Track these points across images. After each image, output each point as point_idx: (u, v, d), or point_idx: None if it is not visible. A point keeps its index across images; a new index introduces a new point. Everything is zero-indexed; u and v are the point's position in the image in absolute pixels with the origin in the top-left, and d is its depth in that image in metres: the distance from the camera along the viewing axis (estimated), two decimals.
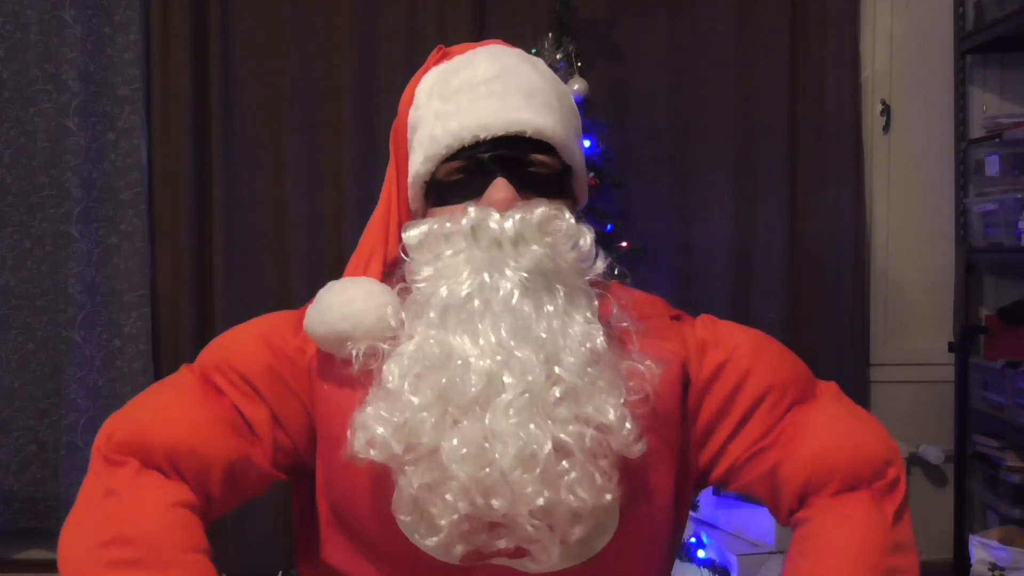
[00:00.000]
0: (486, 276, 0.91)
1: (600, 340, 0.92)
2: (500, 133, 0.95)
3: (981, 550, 1.96)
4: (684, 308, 3.14)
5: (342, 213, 2.87)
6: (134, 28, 2.85)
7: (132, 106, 2.86)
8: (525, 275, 0.91)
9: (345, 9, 2.87)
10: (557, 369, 0.88)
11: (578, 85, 2.49)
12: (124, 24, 2.85)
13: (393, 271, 1.02)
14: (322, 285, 1.00)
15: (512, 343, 0.89)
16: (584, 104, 2.52)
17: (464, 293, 0.91)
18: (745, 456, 1.03)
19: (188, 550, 0.89)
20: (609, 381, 0.91)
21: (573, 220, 0.97)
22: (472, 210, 0.94)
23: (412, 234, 0.98)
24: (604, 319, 0.97)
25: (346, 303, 0.95)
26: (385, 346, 0.94)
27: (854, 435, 1.02)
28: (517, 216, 0.93)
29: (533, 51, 2.57)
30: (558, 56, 2.53)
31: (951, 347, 2.71)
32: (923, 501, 2.99)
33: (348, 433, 0.92)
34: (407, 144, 1.04)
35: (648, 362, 0.94)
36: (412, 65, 1.01)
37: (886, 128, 2.97)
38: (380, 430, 0.88)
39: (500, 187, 0.95)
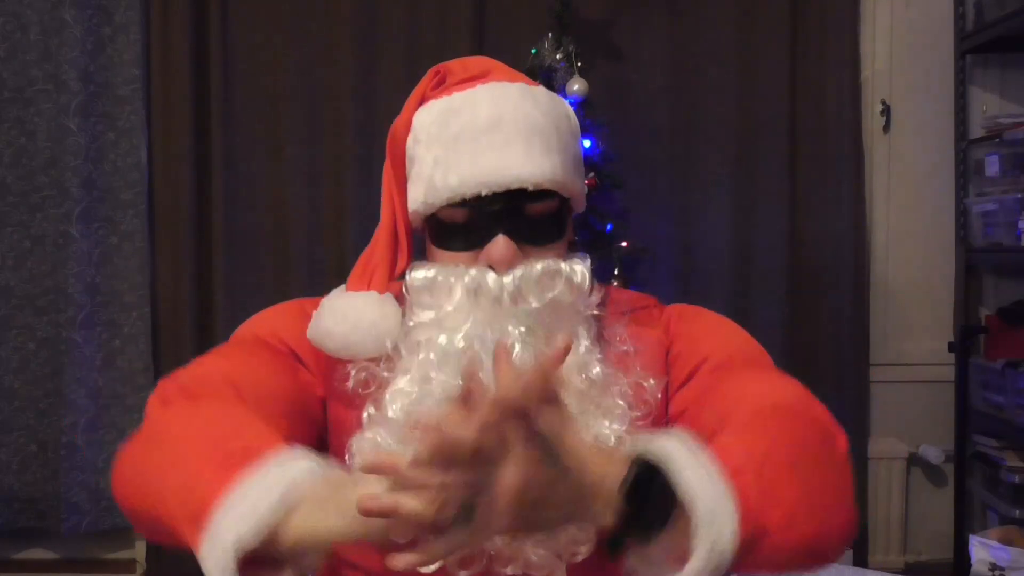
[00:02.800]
0: (488, 332, 0.93)
1: (596, 369, 0.95)
2: (500, 190, 0.95)
3: (981, 550, 1.96)
4: None
5: (342, 213, 2.87)
6: (134, 28, 2.85)
7: (132, 106, 2.87)
8: (524, 330, 0.94)
9: (345, 9, 2.87)
10: None
11: (578, 85, 2.49)
12: (124, 24, 2.86)
13: (398, 280, 1.04)
14: (322, 285, 1.01)
15: None
16: (584, 104, 2.52)
17: (462, 344, 0.93)
18: (690, 407, 0.99)
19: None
20: (608, 405, 0.93)
21: (569, 266, 0.98)
22: (473, 272, 0.95)
23: (416, 277, 0.99)
24: (605, 339, 1.00)
25: (348, 332, 0.97)
26: (385, 374, 0.96)
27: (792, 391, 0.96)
28: (517, 274, 0.95)
29: (533, 51, 2.57)
30: (558, 56, 2.53)
31: (951, 347, 2.71)
32: (923, 501, 2.99)
33: (345, 454, 0.94)
34: (405, 169, 1.04)
35: (650, 380, 0.97)
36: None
37: (886, 128, 2.97)
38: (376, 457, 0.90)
39: (500, 245, 0.95)
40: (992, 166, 2.64)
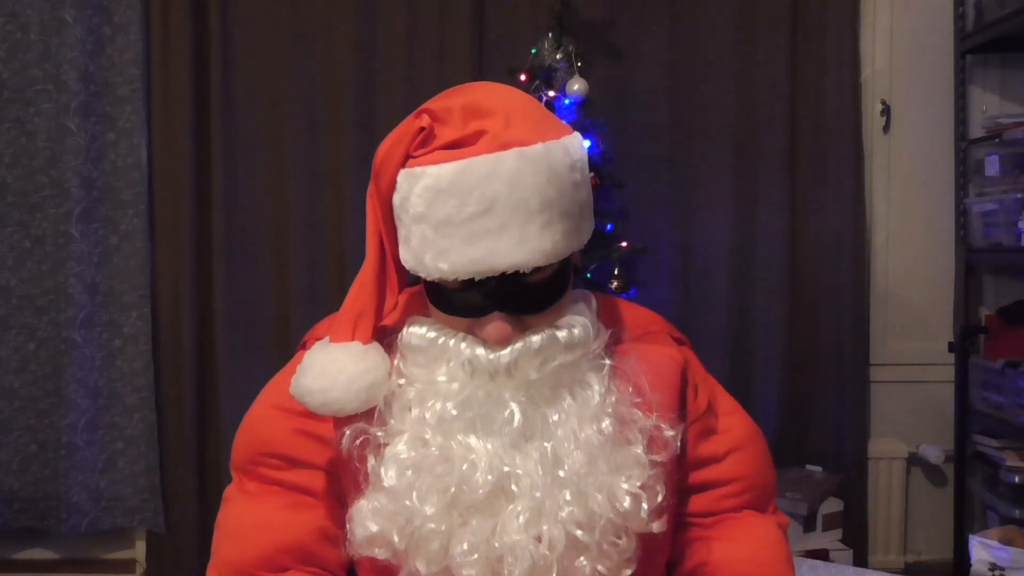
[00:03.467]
0: (481, 394, 0.92)
1: (607, 422, 0.92)
2: (494, 275, 0.90)
3: (981, 550, 1.95)
4: (684, 308, 3.13)
5: (342, 213, 2.87)
6: (134, 28, 2.85)
7: (132, 106, 2.87)
8: (524, 399, 0.91)
9: (345, 9, 2.87)
10: (561, 472, 0.89)
11: (578, 85, 2.49)
12: (124, 24, 2.86)
13: (386, 332, 1.01)
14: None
15: (515, 457, 0.89)
16: (584, 104, 2.52)
17: (456, 413, 0.91)
18: (679, 519, 1.08)
19: None
20: (621, 463, 0.91)
21: (567, 332, 0.94)
22: (464, 347, 0.92)
23: (414, 334, 0.96)
24: (617, 372, 0.97)
25: (327, 389, 0.93)
26: (379, 433, 0.94)
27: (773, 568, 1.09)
28: (516, 348, 0.91)
29: (533, 51, 2.57)
30: (558, 56, 2.53)
31: (951, 347, 2.71)
32: (923, 501, 2.99)
33: (347, 525, 0.94)
34: (394, 216, 0.96)
35: (669, 432, 0.95)
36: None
37: (886, 128, 2.97)
38: (378, 528, 0.90)
39: (496, 324, 0.91)
40: (992, 166, 2.64)
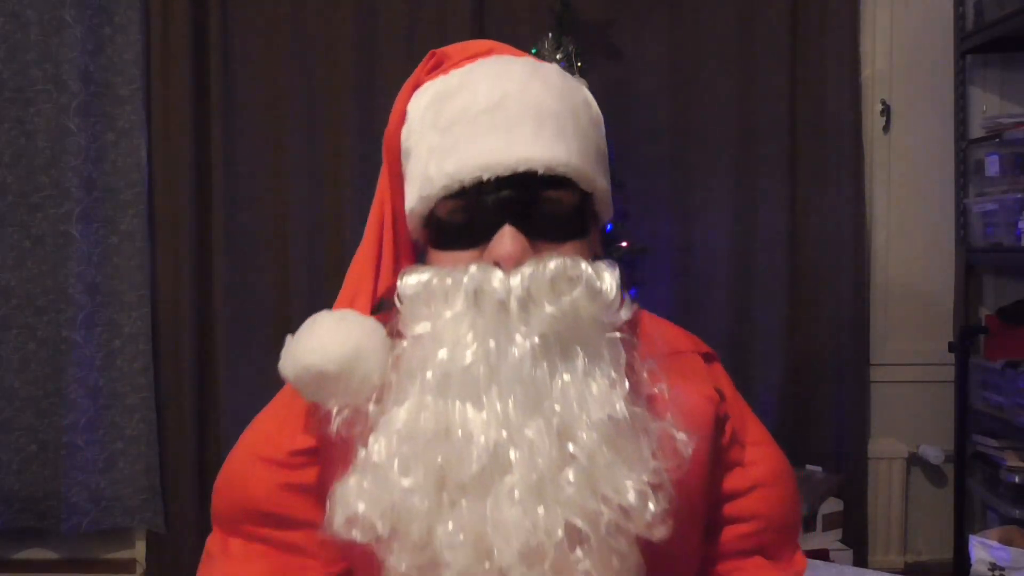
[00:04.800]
0: (492, 343, 0.79)
1: (621, 406, 0.80)
2: (505, 174, 0.81)
3: (981, 550, 1.95)
4: (684, 308, 3.13)
5: (342, 213, 2.87)
6: (134, 28, 2.85)
7: (132, 106, 2.87)
8: (537, 341, 0.79)
9: (345, 9, 2.87)
10: (571, 447, 0.78)
11: None
12: (124, 24, 2.86)
13: (384, 307, 0.91)
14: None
15: (521, 418, 0.77)
16: None
17: (468, 361, 0.79)
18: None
19: None
20: (630, 455, 0.79)
21: (591, 268, 0.83)
22: (473, 268, 0.81)
23: (409, 283, 0.85)
24: (632, 369, 0.84)
25: (314, 334, 0.84)
26: (372, 408, 0.82)
27: None
28: (527, 273, 0.80)
29: (533, 51, 2.57)
30: (558, 56, 2.53)
31: (951, 347, 2.71)
32: (923, 501, 2.99)
33: (327, 505, 0.82)
34: (401, 167, 0.91)
35: (680, 434, 0.83)
36: (412, 65, 0.95)
37: (886, 128, 2.97)
38: (361, 508, 0.79)
39: (507, 239, 0.81)
40: (992, 166, 2.64)
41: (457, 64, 0.89)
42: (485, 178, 0.81)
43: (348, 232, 2.85)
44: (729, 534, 0.98)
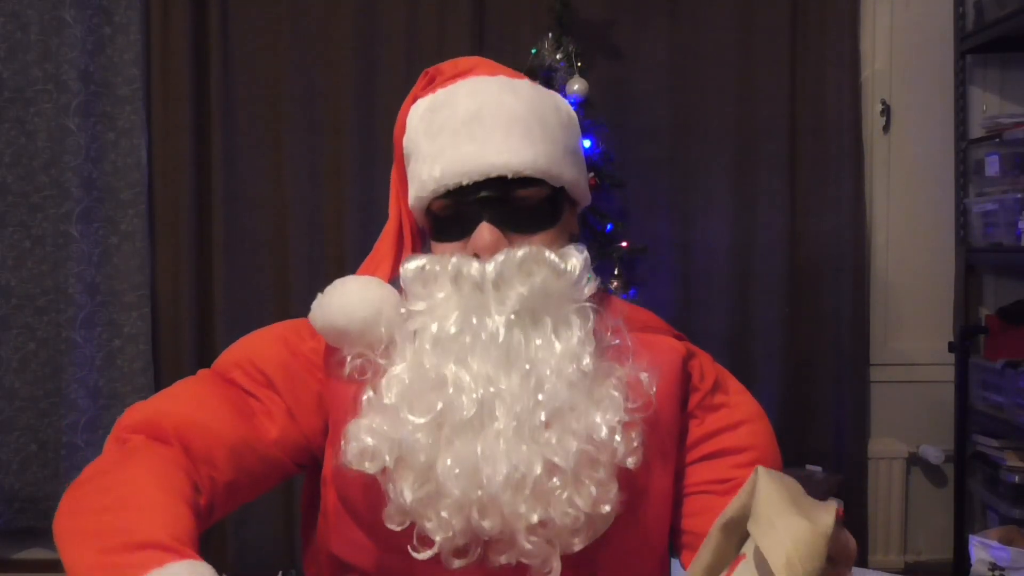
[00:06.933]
0: (473, 319, 0.95)
1: (587, 360, 0.95)
2: (480, 179, 0.97)
3: (981, 550, 1.95)
4: (684, 308, 3.13)
5: (342, 213, 2.87)
6: (134, 28, 2.85)
7: (132, 106, 2.87)
8: (512, 316, 0.95)
9: (345, 9, 2.87)
10: (541, 396, 0.92)
11: (578, 85, 2.49)
12: (124, 24, 2.86)
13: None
14: (322, 285, 1.02)
15: (500, 375, 0.93)
16: (584, 104, 2.52)
17: (453, 331, 0.95)
18: (692, 490, 1.07)
19: (169, 498, 0.88)
20: (601, 399, 0.94)
21: (555, 255, 0.98)
22: (455, 258, 0.98)
23: (409, 268, 1.01)
24: (600, 333, 0.99)
25: (343, 295, 0.99)
26: (382, 361, 0.98)
27: None
28: (499, 260, 0.96)
29: (533, 51, 2.57)
30: (558, 56, 2.53)
31: (951, 347, 2.71)
32: (923, 501, 2.99)
33: (341, 441, 0.95)
34: (405, 167, 1.07)
35: (644, 373, 0.97)
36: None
37: (886, 128, 2.97)
38: (372, 442, 0.92)
39: (484, 232, 0.97)
40: (992, 166, 2.64)
41: (447, 81, 1.06)
42: (465, 182, 0.98)
43: (348, 232, 2.85)
44: (729, 462, 1.07)
